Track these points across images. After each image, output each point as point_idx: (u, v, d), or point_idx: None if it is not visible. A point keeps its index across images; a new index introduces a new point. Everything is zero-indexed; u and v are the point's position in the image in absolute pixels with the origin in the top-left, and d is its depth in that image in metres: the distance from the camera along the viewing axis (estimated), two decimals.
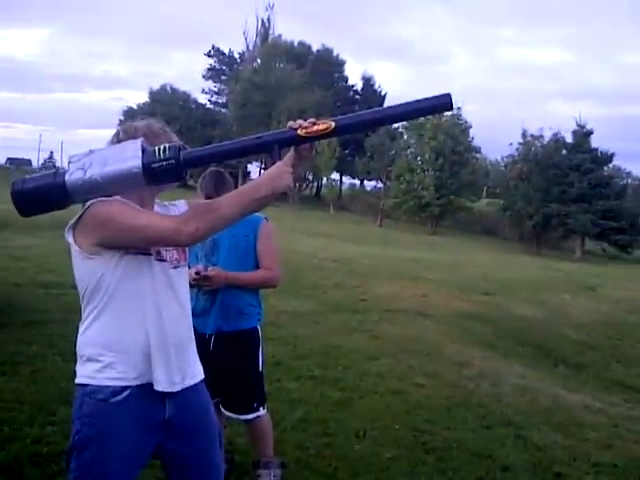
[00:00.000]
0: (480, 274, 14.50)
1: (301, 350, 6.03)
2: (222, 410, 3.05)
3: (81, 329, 1.84)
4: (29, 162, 56.20)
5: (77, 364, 1.84)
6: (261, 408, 3.09)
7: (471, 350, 7.01)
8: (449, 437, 4.22)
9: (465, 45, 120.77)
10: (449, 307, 9.39)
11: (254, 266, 3.03)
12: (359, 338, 6.71)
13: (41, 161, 66.27)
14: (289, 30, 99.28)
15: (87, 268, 1.80)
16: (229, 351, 2.98)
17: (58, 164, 66.94)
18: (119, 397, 1.76)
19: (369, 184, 51.41)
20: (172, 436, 1.87)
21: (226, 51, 53.61)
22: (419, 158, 36.98)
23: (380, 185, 44.46)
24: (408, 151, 38.71)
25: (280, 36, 50.50)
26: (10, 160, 51.03)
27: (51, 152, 74.25)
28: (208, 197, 2.77)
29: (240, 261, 2.99)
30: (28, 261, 8.82)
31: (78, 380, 1.82)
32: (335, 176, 46.35)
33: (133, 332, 1.80)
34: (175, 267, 1.89)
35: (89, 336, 1.81)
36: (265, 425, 3.16)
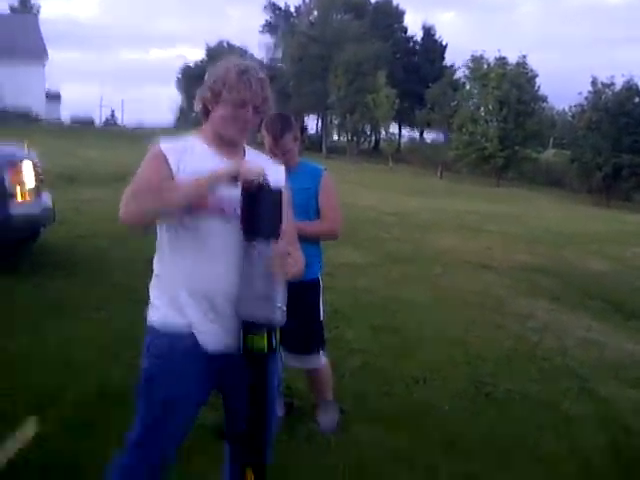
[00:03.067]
0: (547, 227, 14.04)
1: (360, 301, 5.99)
2: (282, 356, 3.05)
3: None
4: (92, 120, 57.57)
5: (149, 307, 1.92)
6: (321, 352, 3.12)
7: (536, 303, 6.81)
8: (511, 389, 4.12)
9: None
10: (514, 260, 9.13)
11: (315, 218, 3.01)
12: (420, 290, 6.60)
13: (103, 119, 67.81)
14: None
15: None
16: (291, 301, 2.94)
17: (119, 122, 68.44)
18: (186, 340, 1.82)
19: (428, 136, 50.31)
20: (234, 371, 1.90)
21: (282, 5, 52.88)
22: (482, 108, 35.78)
23: (440, 137, 43.44)
24: (470, 102, 37.47)
25: None
26: (74, 119, 52.42)
27: (112, 110, 75.74)
28: (274, 138, 2.77)
29: (301, 213, 2.92)
30: (93, 213, 9.05)
31: (148, 322, 1.90)
32: (393, 129, 45.53)
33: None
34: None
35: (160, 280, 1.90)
36: (325, 370, 3.18)
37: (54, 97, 43.50)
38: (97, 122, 59.84)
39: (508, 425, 3.53)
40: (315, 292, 3.07)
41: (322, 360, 3.15)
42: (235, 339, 1.85)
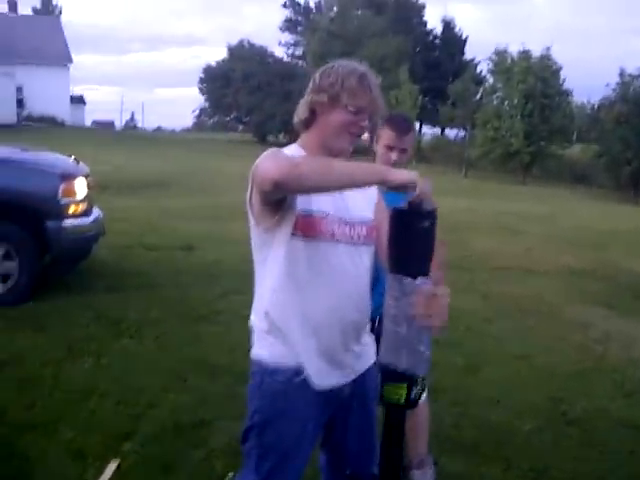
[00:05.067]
0: (583, 226, 13.73)
1: None
2: None
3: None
4: (112, 124, 58.08)
5: (254, 336, 1.78)
6: (423, 394, 2.73)
7: (591, 309, 6.60)
8: (588, 406, 3.96)
9: None
10: (558, 263, 8.90)
11: None
12: (471, 298, 6.43)
13: (123, 122, 68.39)
14: None
15: None
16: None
17: (139, 124, 68.93)
18: (300, 378, 1.69)
19: (450, 133, 49.78)
20: (346, 407, 1.81)
21: (301, 1, 52.70)
22: (507, 103, 35.21)
23: (463, 133, 42.94)
24: (494, 96, 36.95)
25: None
26: (95, 122, 52.87)
27: (132, 113, 76.45)
28: (400, 131, 2.55)
29: None
30: (130, 223, 9.00)
31: (255, 354, 1.76)
32: (415, 126, 45.06)
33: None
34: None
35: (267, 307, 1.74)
36: (424, 416, 2.80)
37: (78, 101, 43.85)
38: (117, 125, 60.44)
39: (596, 450, 3.36)
40: None
41: (422, 403, 2.72)
42: (346, 374, 1.75)
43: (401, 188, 1.44)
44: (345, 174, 1.48)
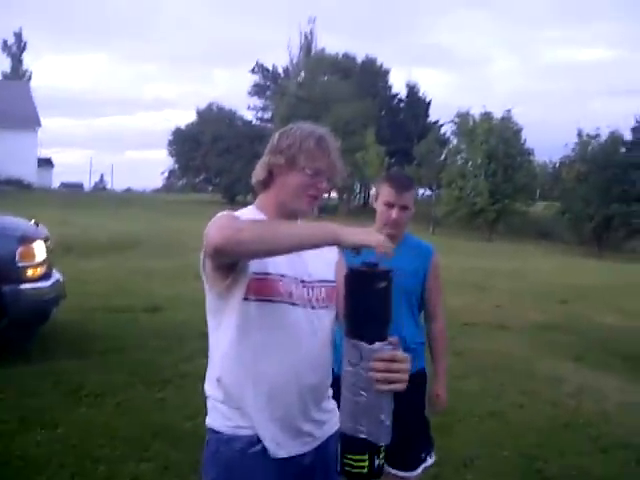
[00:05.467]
0: (549, 280, 13.93)
1: None
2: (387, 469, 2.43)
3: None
4: (81, 186, 57.87)
5: (208, 404, 1.69)
6: (428, 457, 2.57)
7: (561, 364, 6.58)
8: (565, 464, 3.89)
9: (507, 48, 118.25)
10: (527, 318, 8.94)
11: (417, 310, 2.59)
12: None
13: (92, 184, 68.16)
14: (331, 42, 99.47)
15: None
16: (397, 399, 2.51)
17: (109, 186, 68.75)
18: (257, 447, 1.59)
19: (417, 192, 50.75)
20: (307, 478, 1.69)
21: (270, 67, 54.10)
22: (470, 163, 36.21)
23: (429, 193, 43.78)
24: (458, 157, 37.99)
25: (323, 49, 50.62)
26: (63, 184, 52.59)
27: (101, 174, 76.42)
28: (400, 187, 2.42)
29: (404, 303, 2.48)
30: (95, 285, 8.80)
31: (209, 423, 1.67)
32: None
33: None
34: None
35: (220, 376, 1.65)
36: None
37: (46, 163, 43.69)
38: (86, 186, 60.15)
39: None
40: (422, 388, 2.56)
41: (427, 464, 2.58)
42: (306, 443, 1.65)
43: (357, 248, 1.39)
44: (293, 237, 1.43)
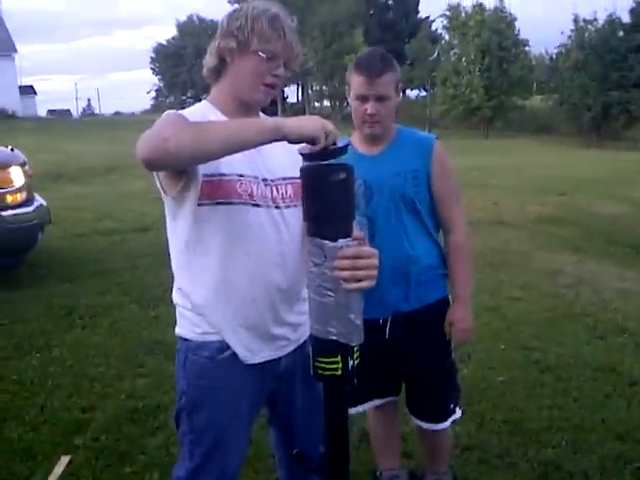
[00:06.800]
0: (548, 174, 13.75)
1: None
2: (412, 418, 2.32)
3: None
4: (69, 112, 56.70)
5: (176, 312, 1.60)
6: (457, 409, 2.28)
7: (560, 256, 6.55)
8: (562, 353, 3.88)
9: None
10: (526, 212, 8.86)
11: (427, 218, 2.12)
12: None
13: (80, 110, 66.85)
14: None
15: None
16: (414, 336, 2.13)
17: (97, 111, 67.40)
18: (227, 353, 1.52)
19: (411, 94, 49.55)
20: (287, 384, 1.64)
21: None
22: (464, 59, 35.12)
23: (424, 93, 42.83)
24: (451, 53, 36.80)
25: None
26: (50, 112, 51.49)
27: (88, 100, 74.80)
28: (369, 76, 1.97)
29: (406, 211, 2.08)
30: (85, 210, 8.68)
31: (178, 332, 1.58)
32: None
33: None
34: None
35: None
36: (448, 439, 2.39)
37: (28, 92, 42.51)
38: (74, 113, 58.99)
39: (570, 397, 3.26)
40: (443, 319, 2.16)
41: (456, 416, 2.29)
42: (281, 347, 1.58)
43: (305, 142, 1.25)
44: (228, 138, 1.27)
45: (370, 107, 2.00)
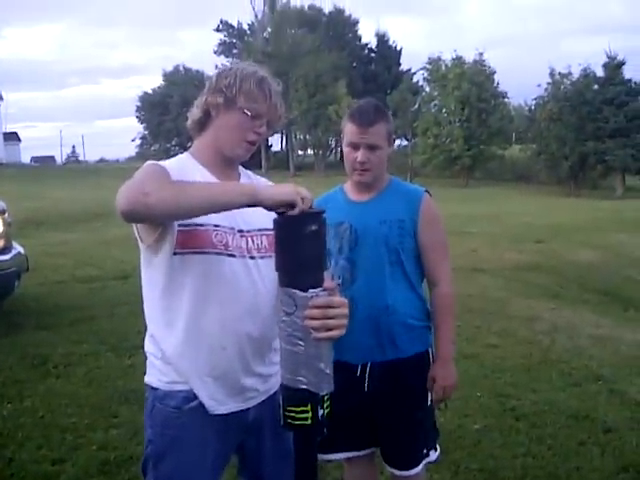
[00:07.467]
0: (526, 222, 13.98)
1: None
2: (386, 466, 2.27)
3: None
4: (53, 159, 56.82)
5: (147, 361, 1.62)
6: (432, 452, 2.23)
7: (537, 303, 6.63)
8: (537, 400, 3.90)
9: None
10: (503, 260, 8.98)
11: (411, 268, 2.11)
12: None
13: (64, 156, 67.05)
14: None
15: None
16: (386, 385, 2.12)
17: (81, 157, 67.58)
18: (193, 403, 1.52)
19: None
20: (256, 435, 1.64)
21: (235, 24, 52.71)
22: (444, 110, 35.99)
23: (405, 142, 43.60)
24: (432, 104, 37.70)
25: (288, 1, 49.33)
26: (34, 159, 51.58)
27: (73, 146, 75.11)
28: (362, 128, 2.02)
29: (390, 262, 2.09)
30: (65, 257, 8.66)
31: (147, 380, 1.59)
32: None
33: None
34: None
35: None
36: (423, 478, 2.30)
37: (12, 139, 42.65)
38: (58, 160, 59.12)
39: (545, 445, 3.27)
40: (422, 374, 2.13)
41: (430, 459, 2.24)
42: (250, 398, 1.59)
43: (281, 207, 1.30)
44: (205, 199, 1.33)
45: (361, 155, 2.04)
